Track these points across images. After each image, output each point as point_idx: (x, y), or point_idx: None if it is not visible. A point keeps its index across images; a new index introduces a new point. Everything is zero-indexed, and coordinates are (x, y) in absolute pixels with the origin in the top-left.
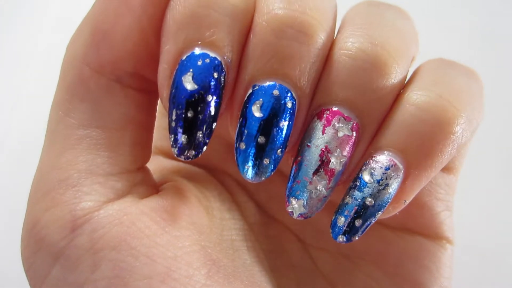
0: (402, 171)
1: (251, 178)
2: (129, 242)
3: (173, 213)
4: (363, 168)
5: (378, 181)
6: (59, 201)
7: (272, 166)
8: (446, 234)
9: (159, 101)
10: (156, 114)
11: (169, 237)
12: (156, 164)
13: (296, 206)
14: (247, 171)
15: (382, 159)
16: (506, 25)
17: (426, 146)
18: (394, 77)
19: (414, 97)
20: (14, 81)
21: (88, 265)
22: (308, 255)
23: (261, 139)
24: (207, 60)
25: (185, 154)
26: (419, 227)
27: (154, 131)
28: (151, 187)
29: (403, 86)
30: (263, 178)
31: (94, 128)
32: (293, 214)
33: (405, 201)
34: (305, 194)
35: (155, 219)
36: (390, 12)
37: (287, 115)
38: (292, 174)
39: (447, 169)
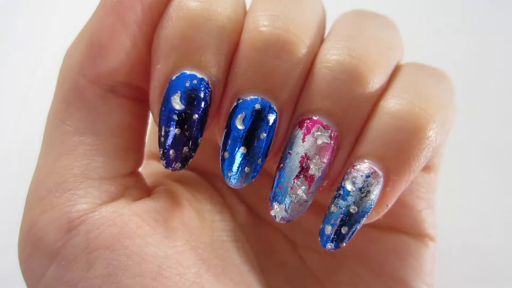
0: (382, 178)
1: (234, 184)
2: (122, 242)
3: (164, 215)
4: (345, 178)
5: (360, 189)
6: (56, 204)
7: (253, 174)
8: (428, 231)
9: None
10: (150, 121)
11: (161, 238)
12: (150, 168)
13: (278, 210)
14: (230, 178)
15: (362, 168)
16: (500, 26)
17: (402, 152)
18: (371, 88)
19: (389, 105)
20: (21, 85)
21: (83, 264)
22: (297, 255)
23: (242, 149)
24: (195, 81)
25: (172, 166)
26: (401, 225)
27: (148, 137)
28: (143, 190)
29: (381, 94)
30: (244, 185)
31: (89, 135)
32: (275, 218)
33: (387, 205)
34: (286, 199)
35: (147, 220)
36: (374, 22)
37: (268, 127)
38: (275, 180)
39: (426, 168)
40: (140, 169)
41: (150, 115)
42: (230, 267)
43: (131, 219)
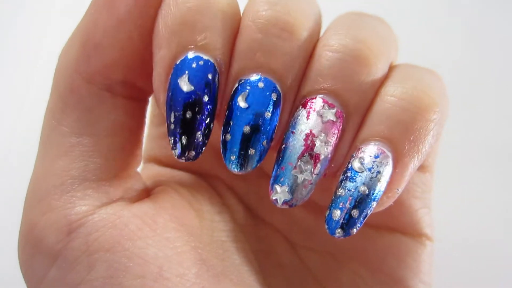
0: (391, 159)
1: (237, 169)
2: (122, 244)
3: (164, 216)
4: (351, 160)
5: (370, 169)
6: (55, 206)
7: (258, 157)
8: (424, 231)
9: (148, 110)
10: (147, 123)
11: (160, 239)
12: (150, 171)
13: (280, 193)
14: (232, 162)
15: (370, 149)
16: (498, 25)
17: (410, 132)
18: (375, 71)
19: (392, 89)
20: (20, 85)
21: (83, 266)
22: (296, 255)
23: (246, 129)
24: (201, 62)
25: (185, 155)
26: (398, 225)
27: (146, 140)
28: (142, 191)
29: (382, 83)
30: (248, 169)
31: (86, 136)
32: (277, 202)
33: (398, 189)
34: (290, 180)
35: (147, 222)
36: (371, 19)
37: (272, 106)
38: (276, 162)
39: (421, 168)
40: (140, 173)
41: (147, 116)
42: (230, 268)
43: (131, 220)
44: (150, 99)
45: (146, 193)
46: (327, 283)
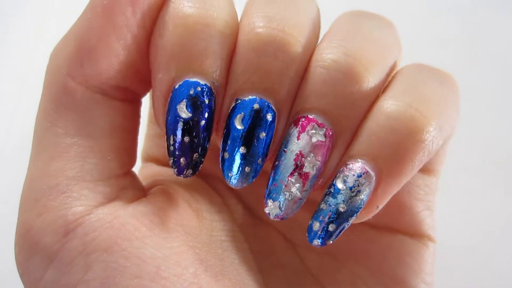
0: (374, 178)
1: (235, 184)
2: (120, 244)
3: (161, 216)
4: (337, 176)
5: (351, 188)
6: (51, 207)
7: (253, 174)
8: (427, 232)
9: (147, 109)
10: (146, 122)
11: (158, 239)
12: (148, 170)
13: (272, 207)
14: (230, 178)
15: (355, 167)
16: (500, 29)
17: (396, 154)
18: (366, 86)
19: (385, 106)
20: (15, 84)
21: (81, 267)
22: (296, 255)
23: (242, 149)
24: (199, 88)
25: (184, 173)
26: (400, 226)
27: (145, 139)
28: (138, 190)
29: (379, 94)
30: (245, 185)
31: (81, 137)
32: (270, 215)
33: (378, 206)
34: (281, 197)
35: (144, 222)
36: (370, 22)
37: (267, 127)
38: (270, 178)
39: (426, 171)
40: (138, 172)
41: (142, 115)
42: (229, 267)
43: (128, 220)
44: (148, 99)
45: (143, 192)
46: (327, 283)
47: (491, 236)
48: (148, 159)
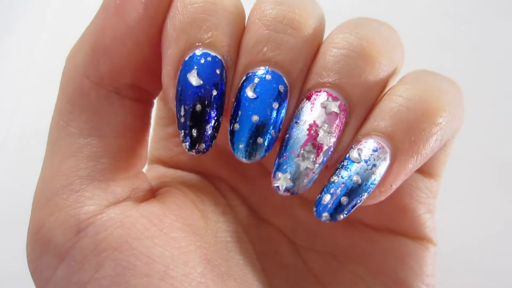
0: (389, 155)
1: (245, 158)
2: (130, 243)
3: (170, 216)
4: (350, 150)
5: (366, 161)
6: (63, 206)
7: (266, 146)
8: (428, 235)
9: (154, 111)
10: (153, 124)
11: (167, 238)
12: (155, 172)
13: (282, 180)
14: (240, 151)
15: (369, 142)
16: (495, 37)
17: (412, 132)
18: (378, 67)
19: (401, 89)
20: (15, 84)
21: (92, 265)
22: (299, 256)
23: (254, 118)
24: (209, 59)
25: (196, 148)
26: (401, 228)
27: (152, 141)
28: (148, 191)
29: (388, 83)
30: (257, 158)
31: (94, 137)
32: (279, 189)
33: (392, 185)
34: (292, 168)
35: (153, 221)
36: (378, 23)
37: (279, 97)
38: (279, 152)
39: (428, 174)
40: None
41: (152, 118)
42: (234, 268)
43: (139, 220)
44: (156, 101)
45: (152, 193)
46: (328, 284)
47: (491, 238)
48: (154, 161)
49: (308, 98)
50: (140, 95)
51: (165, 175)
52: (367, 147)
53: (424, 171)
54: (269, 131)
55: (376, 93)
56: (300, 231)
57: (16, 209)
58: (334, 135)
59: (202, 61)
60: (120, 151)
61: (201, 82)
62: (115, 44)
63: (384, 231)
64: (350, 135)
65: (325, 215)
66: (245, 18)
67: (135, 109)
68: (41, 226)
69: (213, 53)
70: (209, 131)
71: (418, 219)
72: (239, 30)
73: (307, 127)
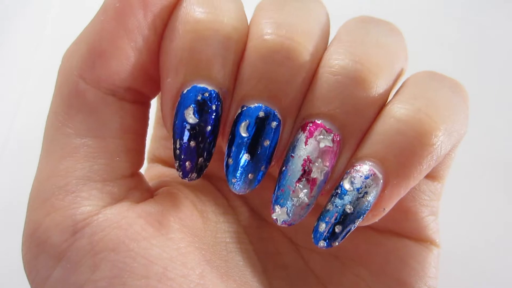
0: (381, 180)
1: (238, 190)
2: (127, 244)
3: (168, 216)
4: (344, 177)
5: (358, 189)
6: (59, 207)
7: (256, 180)
8: (431, 237)
9: (154, 111)
10: (153, 124)
11: (165, 239)
12: (155, 171)
13: (280, 213)
14: (234, 184)
15: (362, 169)
16: (497, 38)
17: (404, 156)
18: (374, 92)
19: (394, 109)
20: (17, 85)
21: (88, 266)
22: (300, 256)
23: (246, 156)
24: (206, 94)
25: (189, 177)
26: (404, 231)
27: (152, 140)
28: (145, 191)
29: (387, 100)
30: (248, 191)
31: (91, 137)
32: (277, 221)
33: (384, 209)
34: (288, 202)
35: (151, 222)
36: (378, 28)
37: (271, 135)
38: (277, 183)
39: (431, 176)
40: (144, 172)
41: (151, 117)
42: (233, 269)
43: (136, 221)
44: (156, 101)
45: (150, 193)
46: (330, 285)
47: (495, 240)
48: (154, 160)
49: (303, 129)
50: (137, 98)
51: (165, 174)
52: (359, 174)
53: (428, 174)
54: (259, 167)
55: (371, 115)
56: (301, 231)
57: (18, 210)
58: (328, 168)
59: (199, 97)
60: (118, 151)
61: (197, 120)
62: (113, 47)
63: (387, 233)
64: (344, 164)
65: (322, 243)
66: (246, 36)
67: (132, 110)
68: (37, 227)
69: (210, 87)
70: (202, 163)
71: (422, 221)
72: (238, 56)
73: (301, 162)
